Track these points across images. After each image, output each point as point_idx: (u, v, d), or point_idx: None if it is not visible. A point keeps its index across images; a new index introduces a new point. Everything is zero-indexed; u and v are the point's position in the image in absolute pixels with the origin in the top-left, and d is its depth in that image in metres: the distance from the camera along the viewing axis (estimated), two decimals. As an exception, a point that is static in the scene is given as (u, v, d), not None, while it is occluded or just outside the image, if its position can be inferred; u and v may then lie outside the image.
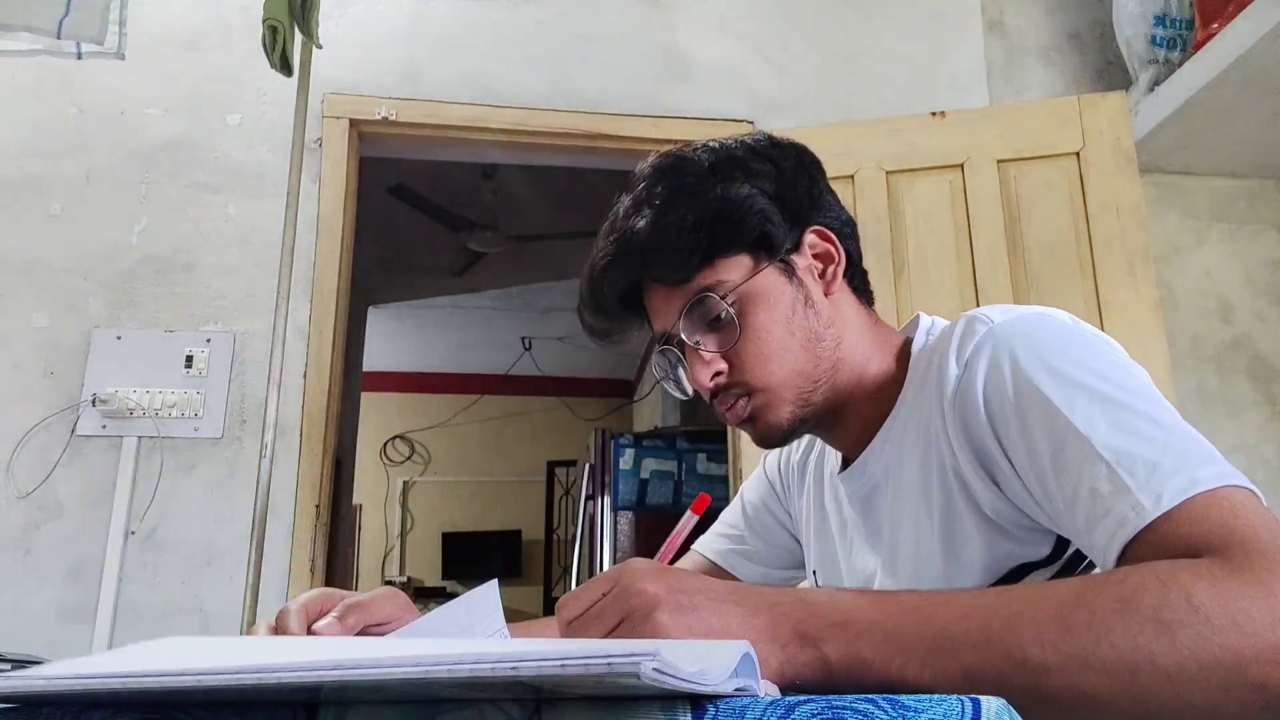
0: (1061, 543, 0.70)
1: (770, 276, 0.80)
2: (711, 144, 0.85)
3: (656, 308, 0.83)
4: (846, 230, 0.86)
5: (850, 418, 0.84)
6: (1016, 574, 0.71)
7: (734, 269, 0.79)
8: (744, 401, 0.80)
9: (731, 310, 0.78)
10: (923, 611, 0.52)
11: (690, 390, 0.83)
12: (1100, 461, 0.60)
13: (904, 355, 0.84)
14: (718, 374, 0.80)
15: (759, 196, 0.80)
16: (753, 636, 0.52)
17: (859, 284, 0.87)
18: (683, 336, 0.80)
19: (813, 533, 0.95)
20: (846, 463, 0.87)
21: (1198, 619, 0.48)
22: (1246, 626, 0.48)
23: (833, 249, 0.83)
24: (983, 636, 0.50)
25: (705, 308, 0.79)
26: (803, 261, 0.82)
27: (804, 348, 0.80)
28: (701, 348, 0.80)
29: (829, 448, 0.92)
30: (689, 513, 0.76)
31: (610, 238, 0.82)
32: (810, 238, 0.83)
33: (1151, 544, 0.56)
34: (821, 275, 0.83)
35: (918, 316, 0.86)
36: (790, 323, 0.79)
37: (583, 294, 0.85)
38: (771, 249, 0.80)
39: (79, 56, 1.78)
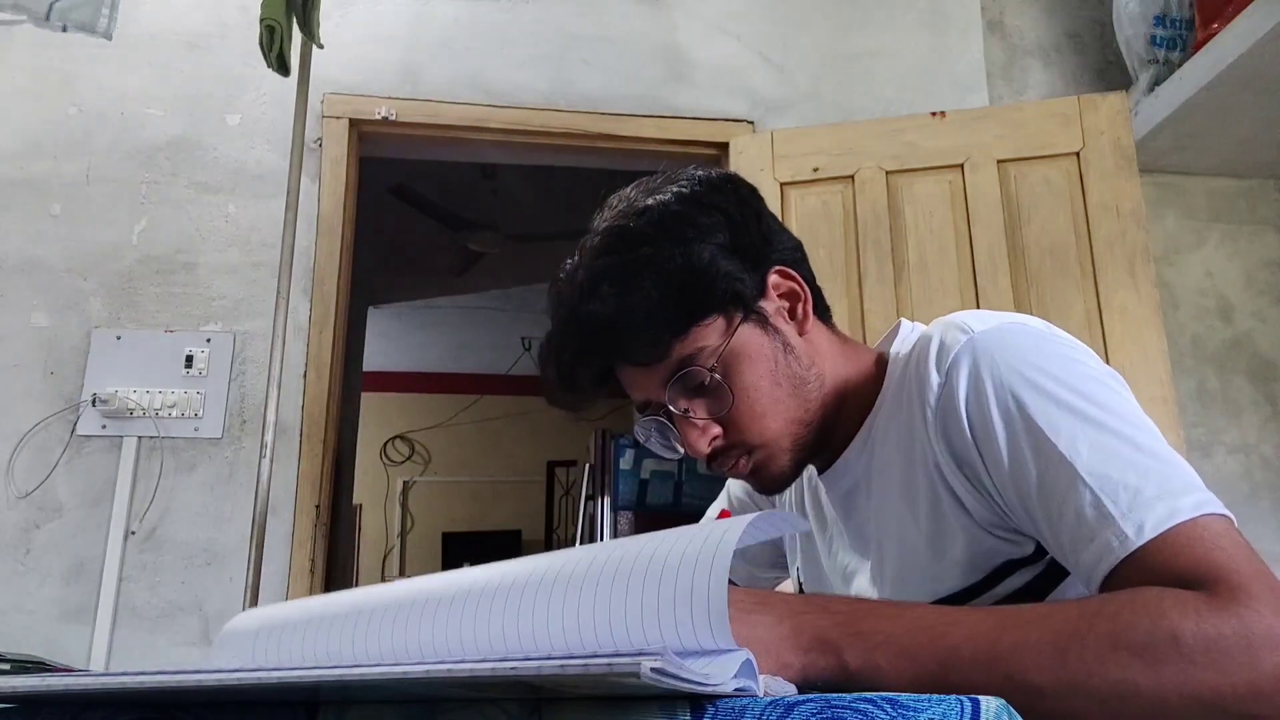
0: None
1: (747, 332, 0.78)
2: (650, 205, 0.80)
3: (634, 382, 0.80)
4: (799, 255, 0.85)
5: (832, 437, 0.84)
6: (1002, 571, 0.72)
7: (710, 334, 0.77)
8: (745, 459, 0.79)
9: (717, 375, 0.76)
10: (936, 629, 0.56)
11: (681, 452, 0.81)
12: (1084, 487, 0.62)
13: (880, 363, 0.84)
14: (715, 438, 0.78)
15: (719, 254, 0.77)
16: (778, 642, 0.55)
17: (819, 306, 0.85)
18: (670, 408, 0.78)
19: (797, 535, 0.96)
20: (824, 464, 0.87)
21: (1181, 658, 0.53)
22: (1225, 666, 0.52)
23: (797, 286, 0.82)
24: (988, 658, 0.55)
25: (690, 377, 0.77)
26: (771, 306, 0.80)
27: (792, 396, 0.79)
28: (692, 415, 0.78)
29: None
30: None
31: (571, 326, 0.78)
32: (774, 279, 0.81)
33: (1135, 572, 0.59)
34: (792, 315, 0.81)
35: (899, 324, 0.86)
36: (776, 375, 0.78)
37: (547, 375, 0.81)
38: (742, 304, 0.78)
39: (64, 29, 1.77)
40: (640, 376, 0.79)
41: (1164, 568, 0.58)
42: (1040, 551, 0.71)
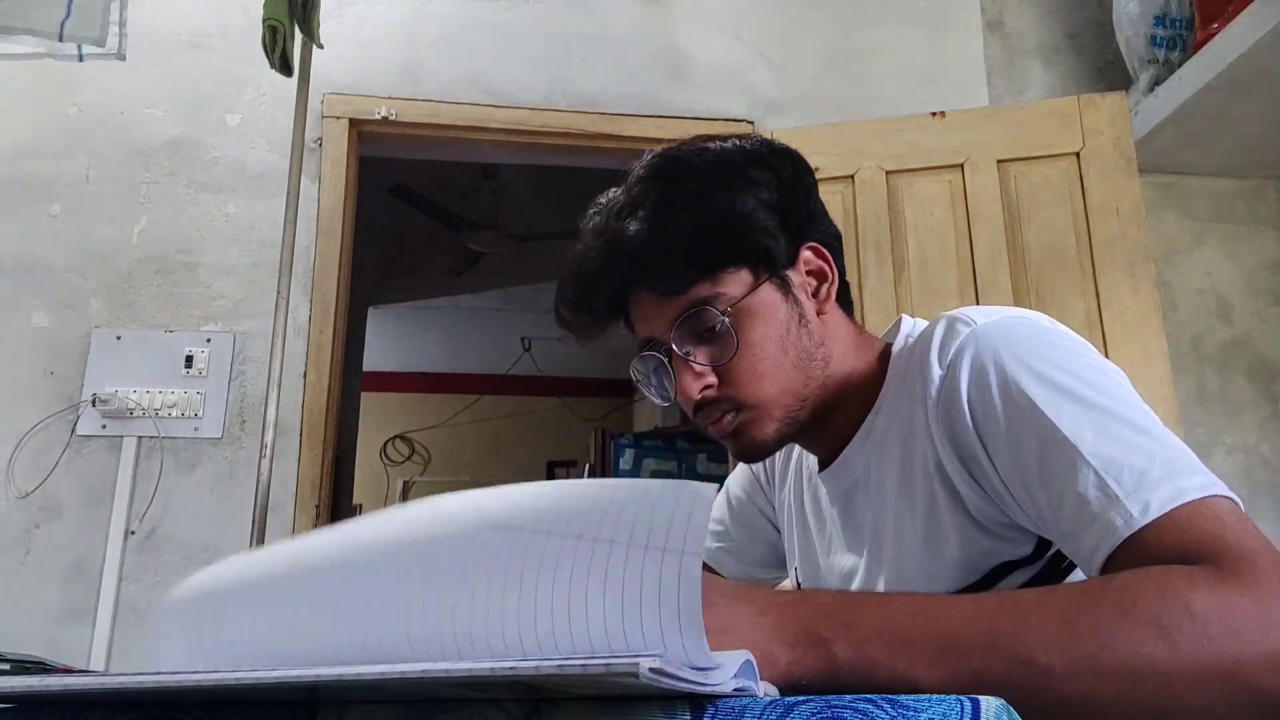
0: (1044, 542, 0.71)
1: (767, 292, 0.78)
2: (710, 147, 0.81)
3: (645, 313, 0.80)
4: (835, 244, 0.85)
5: (830, 426, 0.84)
6: (999, 572, 0.72)
7: (733, 283, 0.77)
8: (731, 416, 0.79)
9: (729, 324, 0.76)
10: (930, 614, 0.54)
11: (672, 397, 0.81)
12: (1088, 468, 0.61)
13: (884, 358, 0.84)
14: (708, 386, 0.78)
15: (761, 209, 0.78)
16: (762, 635, 0.52)
17: (844, 297, 0.85)
18: (673, 346, 0.78)
19: (794, 531, 0.96)
20: (825, 462, 0.87)
21: (1195, 626, 0.51)
22: (1241, 633, 0.50)
23: (827, 267, 0.82)
24: (990, 640, 0.52)
25: (700, 319, 0.77)
26: (797, 279, 0.81)
27: (796, 367, 0.79)
28: (693, 359, 0.77)
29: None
30: None
31: (601, 239, 0.78)
32: (806, 254, 0.82)
33: (1139, 551, 0.57)
34: (815, 294, 0.81)
35: (900, 319, 0.86)
36: (785, 341, 0.78)
37: (566, 292, 0.81)
38: (771, 264, 0.78)
39: (80, 59, 1.78)
40: (653, 309, 0.79)
41: (1169, 547, 0.56)
42: (1038, 552, 0.71)
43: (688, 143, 0.83)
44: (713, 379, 0.78)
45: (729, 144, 0.82)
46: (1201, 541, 0.55)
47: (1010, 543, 0.71)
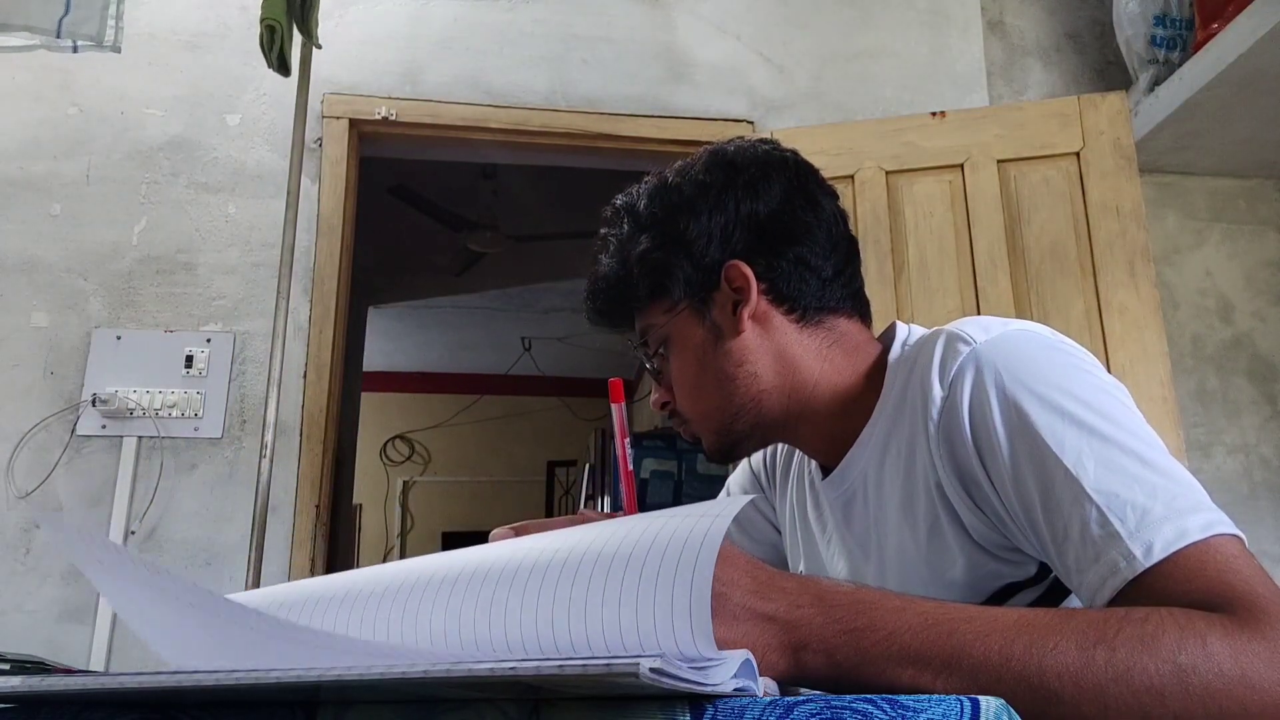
0: (1046, 564, 0.70)
1: (684, 318, 0.82)
2: (666, 176, 0.85)
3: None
4: (814, 259, 0.82)
5: (810, 433, 0.84)
6: (1004, 593, 0.71)
7: (657, 313, 0.84)
8: (686, 426, 0.87)
9: (661, 350, 0.84)
10: (944, 626, 0.53)
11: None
12: (1090, 504, 0.60)
13: (879, 366, 0.82)
14: (666, 402, 0.87)
15: (678, 243, 0.81)
16: (765, 639, 0.52)
17: (809, 304, 0.82)
18: (645, 364, 0.87)
19: (798, 534, 0.95)
20: (825, 468, 0.86)
21: (1211, 669, 0.51)
22: (1255, 681, 0.51)
23: (746, 284, 0.80)
24: (1002, 658, 0.52)
25: (645, 346, 0.86)
26: (722, 298, 0.81)
27: (716, 387, 0.82)
28: (650, 373, 0.88)
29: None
30: (613, 406, 0.89)
31: (589, 280, 0.89)
32: (730, 271, 0.80)
33: (1144, 594, 0.57)
34: (735, 311, 0.80)
35: (893, 325, 0.85)
36: (702, 364, 0.82)
37: (585, 304, 0.92)
38: (688, 291, 0.82)
39: (75, 49, 1.78)
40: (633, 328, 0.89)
41: (1175, 590, 0.56)
42: (1041, 573, 0.70)
43: (657, 178, 0.86)
44: (669, 396, 0.87)
45: (683, 178, 0.84)
46: (1209, 588, 0.55)
47: (1013, 565, 0.70)
